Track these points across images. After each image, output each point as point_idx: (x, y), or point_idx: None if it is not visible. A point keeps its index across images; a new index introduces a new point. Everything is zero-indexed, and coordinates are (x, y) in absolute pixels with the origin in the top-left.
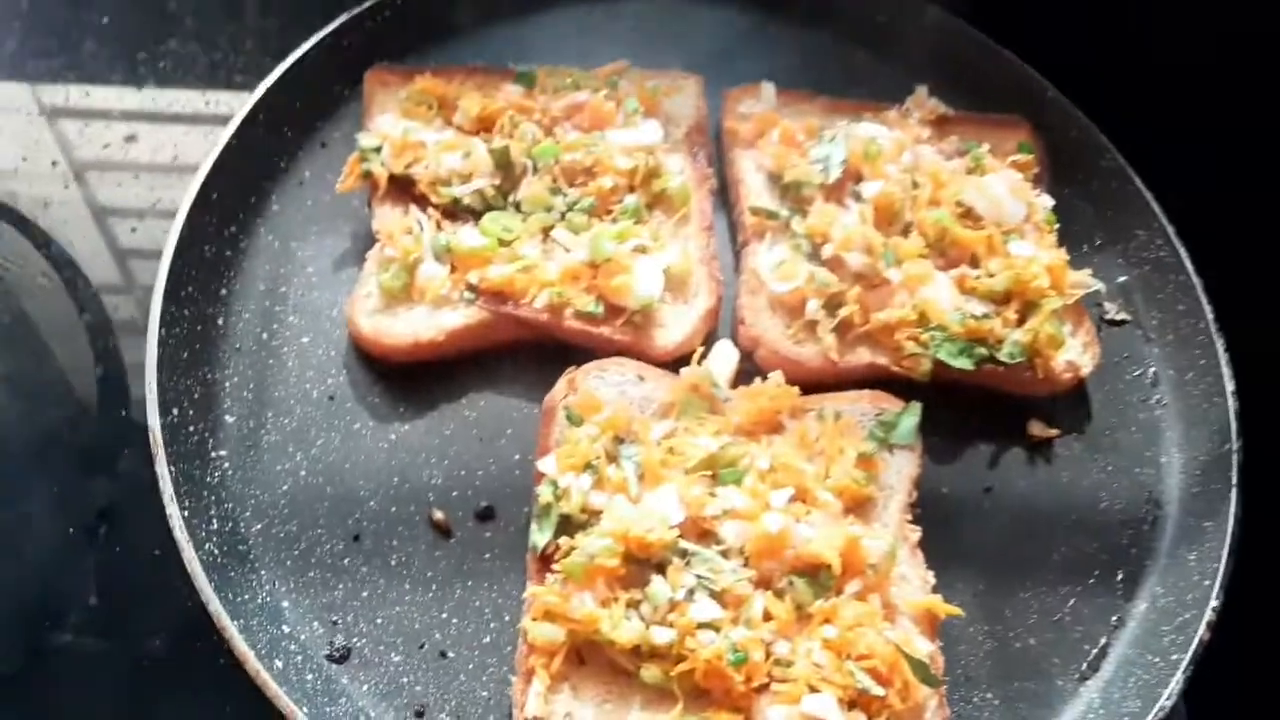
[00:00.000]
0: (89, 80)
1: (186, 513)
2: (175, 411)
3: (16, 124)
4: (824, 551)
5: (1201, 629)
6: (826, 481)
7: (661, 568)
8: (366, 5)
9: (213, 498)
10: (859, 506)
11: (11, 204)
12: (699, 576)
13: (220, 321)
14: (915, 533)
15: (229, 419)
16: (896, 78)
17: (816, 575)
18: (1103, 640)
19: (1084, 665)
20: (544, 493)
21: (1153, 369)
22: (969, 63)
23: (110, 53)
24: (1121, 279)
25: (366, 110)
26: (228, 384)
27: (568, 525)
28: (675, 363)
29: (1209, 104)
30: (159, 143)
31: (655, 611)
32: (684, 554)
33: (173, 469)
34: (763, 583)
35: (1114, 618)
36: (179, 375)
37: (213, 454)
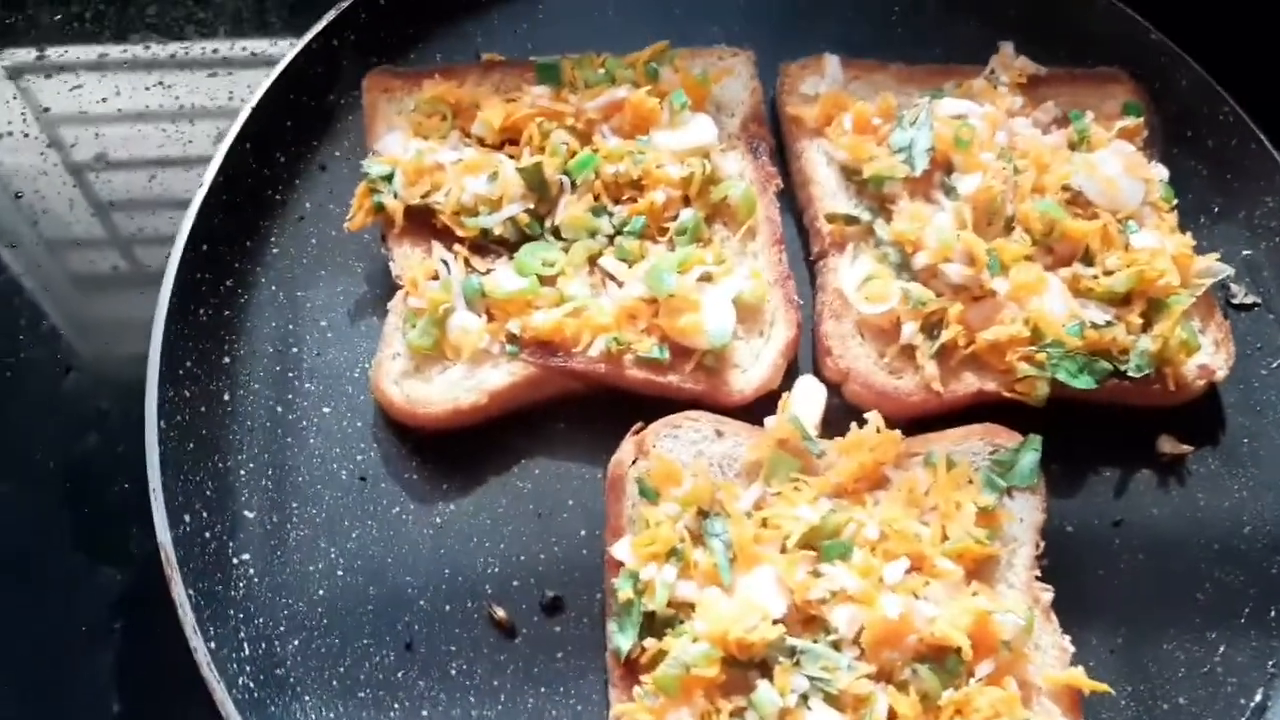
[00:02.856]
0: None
1: (213, 644)
2: (188, 518)
3: None
4: (951, 633)
5: None
6: (944, 545)
7: (766, 668)
8: None
9: (240, 616)
10: (981, 568)
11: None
12: (811, 678)
13: (227, 398)
14: (1048, 593)
15: (249, 514)
16: (973, 31)
17: (943, 661)
18: (1259, 693)
19: None
20: (623, 587)
21: None
22: (1055, 5)
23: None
24: (1247, 253)
25: (369, 125)
26: (243, 472)
27: (653, 623)
28: (754, 408)
29: None
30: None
31: None
32: (791, 652)
33: (191, 592)
34: (883, 676)
35: (1271, 664)
36: (187, 472)
37: (234, 560)
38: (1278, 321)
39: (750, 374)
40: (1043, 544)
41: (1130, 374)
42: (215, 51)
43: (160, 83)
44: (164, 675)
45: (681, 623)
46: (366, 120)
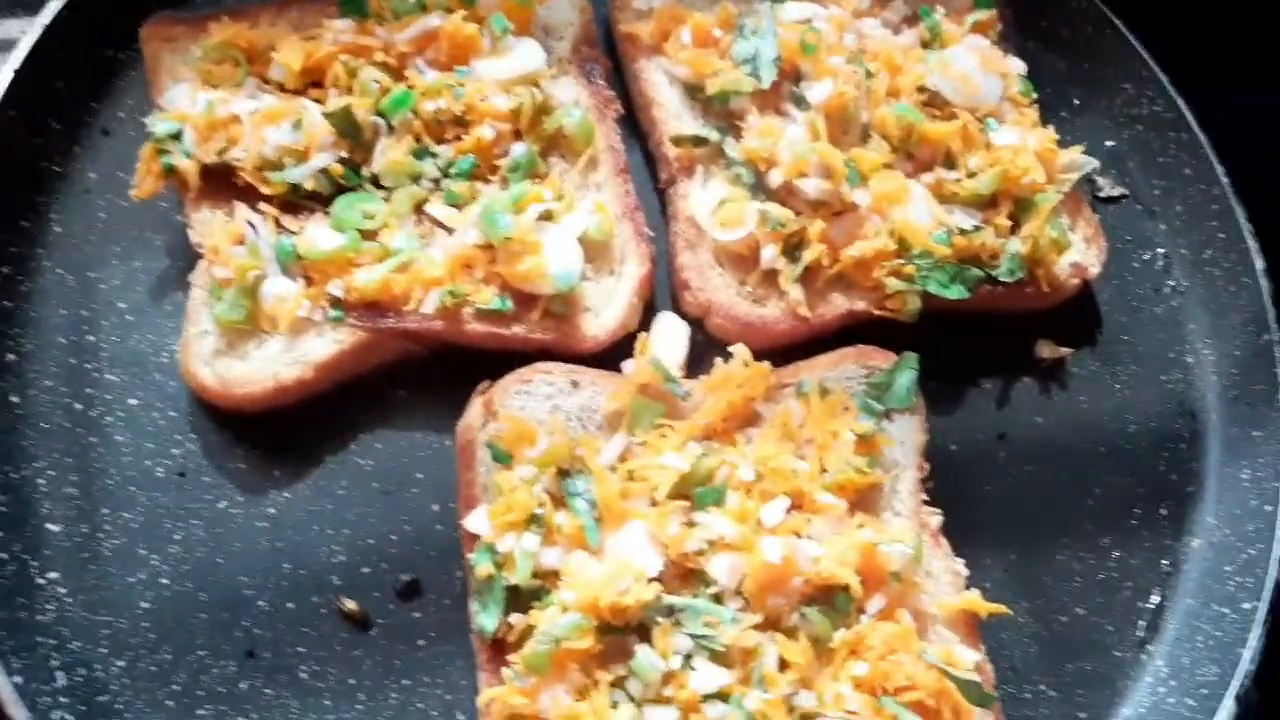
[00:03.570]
0: None
1: (19, 678)
2: None
3: None
4: (838, 572)
5: (1272, 567)
6: (824, 479)
7: (646, 632)
8: None
9: (51, 642)
10: (865, 498)
11: None
12: (694, 636)
13: (16, 399)
14: (936, 517)
15: (52, 528)
16: None
17: (832, 601)
18: (1157, 595)
19: (1142, 629)
20: (481, 562)
21: (1162, 250)
22: None
23: None
24: (1110, 144)
25: (152, 79)
26: (41, 481)
27: (518, 598)
28: (611, 355)
29: None
30: None
31: (647, 689)
32: (670, 611)
33: None
34: (770, 623)
35: (1165, 563)
36: None
37: (39, 581)
38: (1147, 212)
39: (603, 317)
40: (927, 466)
41: (1002, 279)
42: None
43: None
44: None
45: (548, 594)
46: (148, 74)
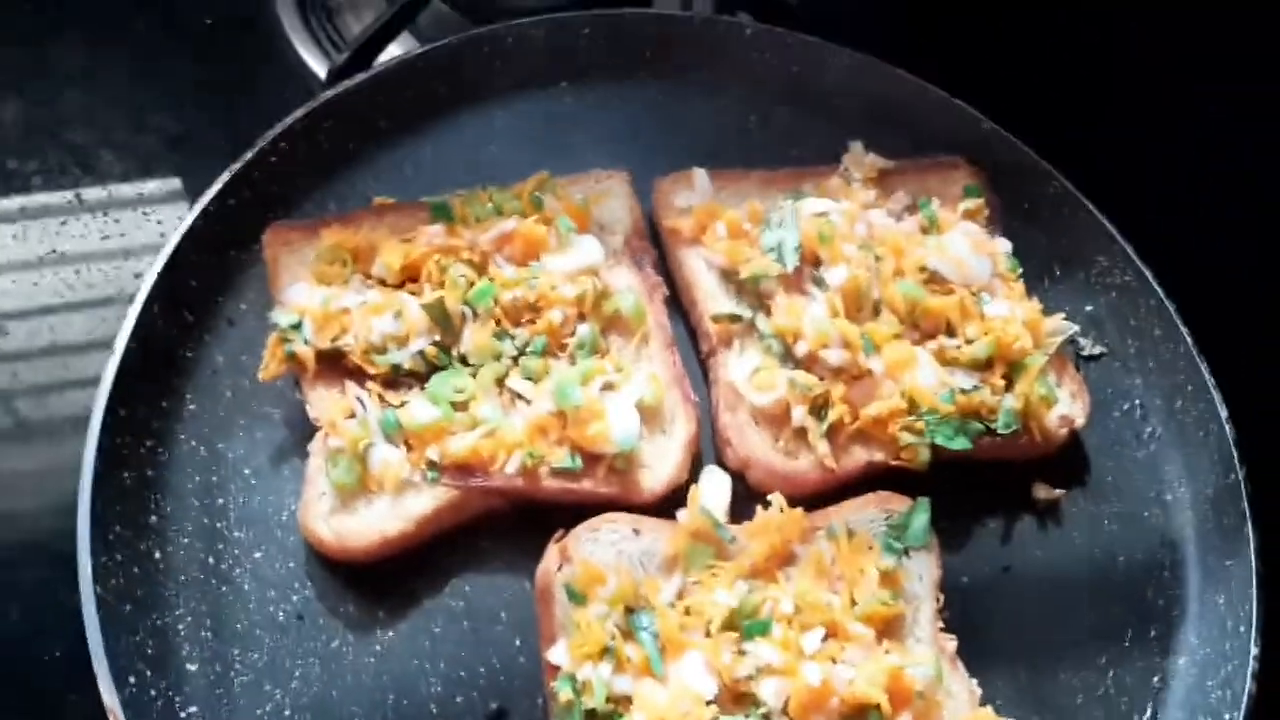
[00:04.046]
0: None
1: None
2: (132, 679)
3: None
4: (870, 692)
5: (1248, 682)
6: (854, 610)
7: None
8: (247, 158)
9: None
10: (890, 628)
11: None
12: None
13: (158, 555)
14: (951, 642)
15: (191, 667)
16: (822, 131)
17: (865, 718)
18: (1149, 708)
19: None
20: (563, 689)
21: (1139, 401)
22: (895, 103)
23: None
24: (1089, 309)
25: (273, 277)
26: (181, 627)
27: None
28: (666, 503)
29: (1150, 111)
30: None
31: None
32: None
33: None
34: None
35: (1155, 679)
36: (126, 634)
37: (182, 714)
38: (1124, 368)
39: (658, 471)
40: (942, 597)
41: (1000, 431)
42: (106, 213)
43: (53, 250)
44: None
45: (621, 716)
46: (270, 273)
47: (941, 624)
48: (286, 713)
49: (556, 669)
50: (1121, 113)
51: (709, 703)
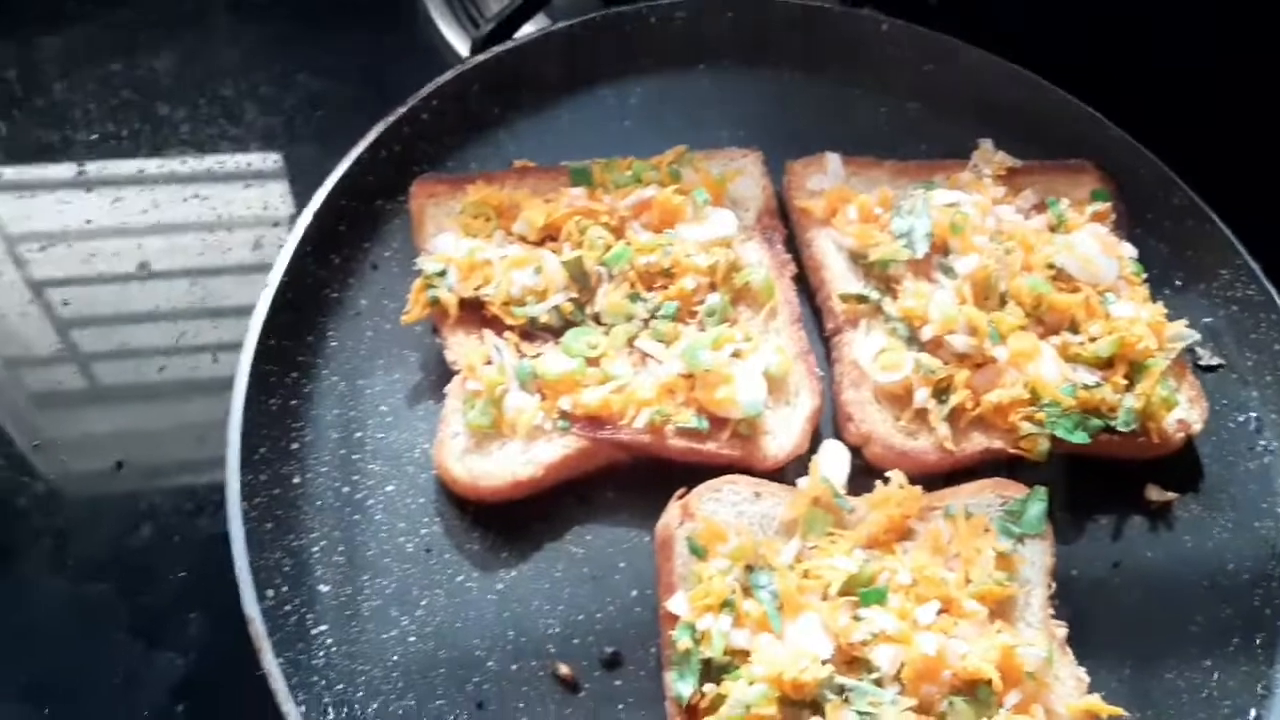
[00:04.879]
0: (84, 204)
1: (304, 707)
2: (270, 593)
3: None
4: (982, 667)
5: None
6: (969, 588)
7: (817, 707)
8: (400, 114)
9: (322, 683)
10: (1002, 608)
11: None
12: (860, 713)
13: (297, 481)
14: (1062, 629)
15: (323, 589)
16: (952, 127)
17: (975, 692)
18: (1253, 712)
19: None
20: (681, 638)
21: (1254, 414)
22: (1024, 106)
23: (103, 173)
24: (1208, 320)
25: (417, 226)
26: (316, 549)
27: (709, 671)
28: (785, 472)
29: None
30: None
31: None
32: (840, 690)
33: (281, 660)
34: (924, 709)
35: (1260, 686)
36: (266, 550)
37: (313, 632)
38: (1240, 381)
39: (780, 440)
40: (1054, 585)
41: (1119, 429)
42: (249, 165)
43: (196, 195)
44: None
45: (736, 669)
46: (414, 222)
47: (1052, 611)
48: (411, 639)
49: (675, 619)
50: (1250, 124)
51: (824, 662)
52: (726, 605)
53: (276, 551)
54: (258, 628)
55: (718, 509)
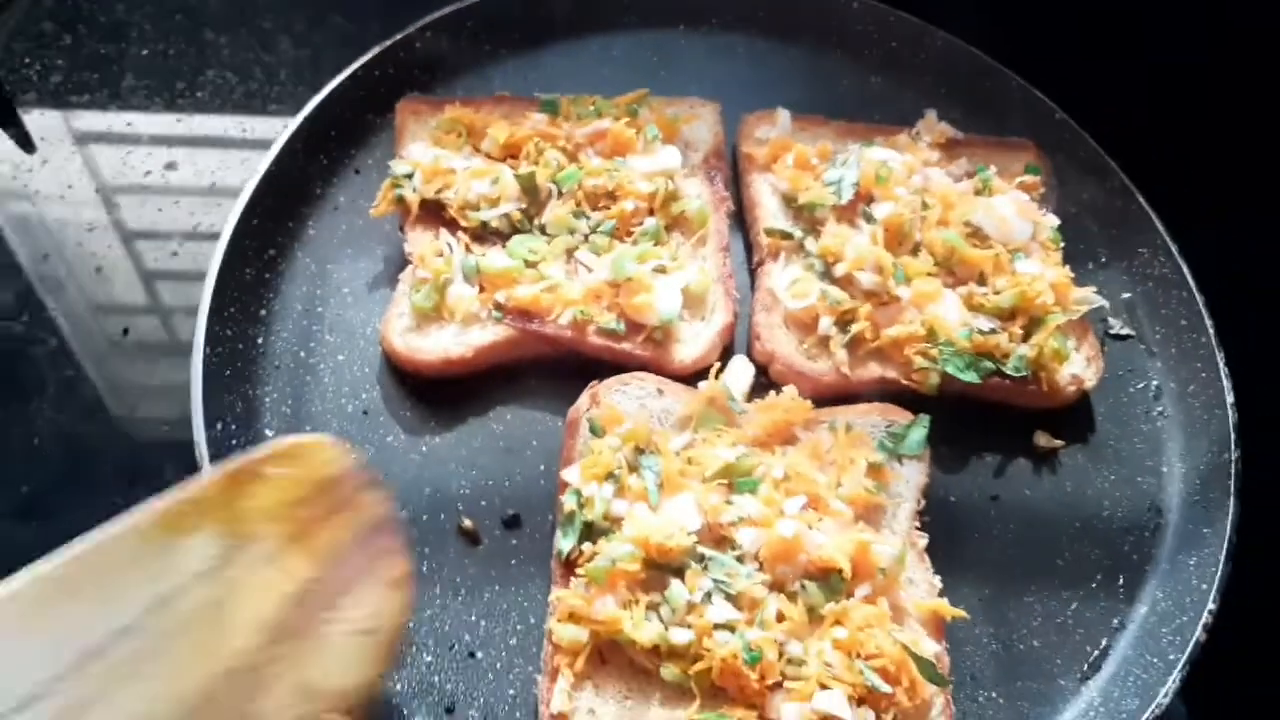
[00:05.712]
0: (130, 109)
1: None
2: (219, 426)
3: (61, 152)
4: (835, 556)
5: (1198, 631)
6: (838, 490)
7: (680, 572)
8: (396, 39)
9: None
10: (869, 514)
11: (58, 230)
12: (716, 580)
13: (260, 341)
14: (923, 539)
15: (269, 433)
16: (909, 102)
17: (828, 579)
18: (1104, 642)
19: (1085, 666)
20: (568, 501)
21: (1155, 382)
22: (978, 87)
23: (150, 83)
24: (1125, 295)
25: (398, 138)
26: (268, 400)
27: (591, 532)
28: (693, 377)
29: (1212, 122)
30: (198, 169)
31: (674, 613)
32: (701, 559)
33: None
34: (777, 586)
35: (1115, 620)
36: (222, 391)
37: None
38: (1147, 351)
39: (691, 348)
40: (924, 502)
41: (1010, 374)
42: (271, 86)
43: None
44: None
45: (613, 533)
46: (396, 134)
47: (918, 525)
48: None
49: (567, 486)
50: (1188, 114)
51: (691, 534)
52: (611, 477)
53: (231, 395)
54: (201, 450)
55: (623, 400)
